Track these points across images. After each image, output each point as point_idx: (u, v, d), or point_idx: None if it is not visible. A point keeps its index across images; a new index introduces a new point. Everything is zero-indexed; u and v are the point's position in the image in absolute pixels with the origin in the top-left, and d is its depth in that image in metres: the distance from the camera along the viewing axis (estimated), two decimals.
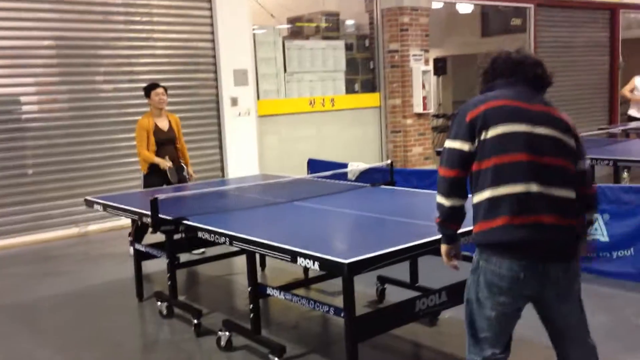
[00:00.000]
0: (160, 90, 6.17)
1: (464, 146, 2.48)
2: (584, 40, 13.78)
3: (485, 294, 2.52)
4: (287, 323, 4.50)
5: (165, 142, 6.16)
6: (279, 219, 4.09)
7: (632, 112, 9.83)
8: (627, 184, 6.73)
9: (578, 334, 2.66)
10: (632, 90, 9.65)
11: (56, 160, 7.64)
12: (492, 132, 2.45)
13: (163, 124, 6.19)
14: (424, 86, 10.24)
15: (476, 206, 2.51)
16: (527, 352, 3.78)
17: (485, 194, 2.46)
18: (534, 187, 2.40)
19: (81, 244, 7.36)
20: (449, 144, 2.53)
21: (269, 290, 3.83)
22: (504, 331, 2.59)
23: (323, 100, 9.89)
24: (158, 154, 6.08)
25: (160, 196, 4.20)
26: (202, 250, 5.98)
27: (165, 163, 6.01)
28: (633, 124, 9.21)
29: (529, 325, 2.94)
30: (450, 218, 2.60)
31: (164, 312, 4.70)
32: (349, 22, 10.66)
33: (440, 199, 2.57)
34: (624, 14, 14.44)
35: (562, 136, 2.49)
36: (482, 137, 2.46)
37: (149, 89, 6.20)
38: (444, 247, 2.70)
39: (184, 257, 5.07)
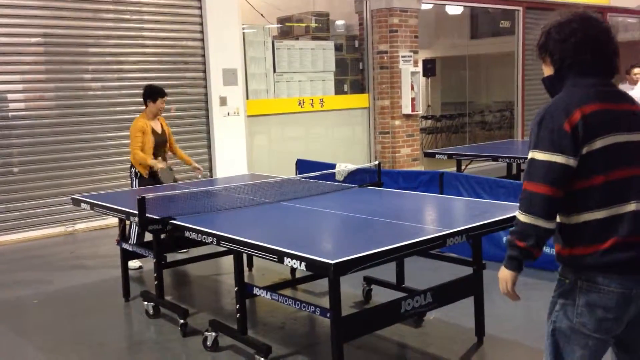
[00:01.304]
0: (166, 98, 6.16)
1: (569, 161, 2.14)
2: None
3: (585, 320, 2.22)
4: (273, 323, 4.50)
5: (160, 145, 6.15)
6: (266, 219, 4.10)
7: None
8: None
9: None
10: None
11: (43, 159, 7.60)
12: (597, 145, 2.16)
13: (157, 127, 6.16)
14: (412, 87, 10.28)
15: (577, 227, 2.21)
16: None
17: (594, 215, 2.18)
18: None
19: (68, 243, 7.32)
20: (547, 156, 2.15)
21: (256, 291, 3.83)
22: None
23: (312, 100, 9.90)
24: (154, 156, 6.05)
25: (148, 195, 4.20)
26: (185, 249, 5.95)
27: (158, 164, 5.96)
28: None
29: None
30: (543, 243, 2.22)
31: (151, 311, 4.70)
32: (339, 22, 10.68)
33: (536, 221, 2.17)
34: (611, 18, 14.55)
35: None
36: (586, 150, 2.15)
37: (156, 94, 6.07)
38: (511, 275, 2.29)
39: (170, 257, 5.05)
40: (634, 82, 9.55)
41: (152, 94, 6.08)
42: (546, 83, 2.37)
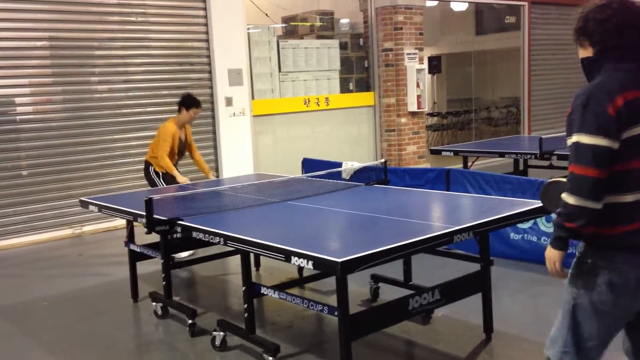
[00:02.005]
0: (200, 109, 6.27)
1: (614, 144, 2.21)
2: None
3: (605, 298, 2.32)
4: (281, 322, 4.51)
5: (179, 152, 6.25)
6: (273, 218, 4.10)
7: None
8: None
9: None
10: None
11: (51, 161, 7.64)
12: (637, 131, 2.24)
13: (182, 134, 6.26)
14: (418, 85, 10.26)
15: (607, 207, 2.29)
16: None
17: (625, 198, 2.28)
18: None
19: (76, 245, 7.36)
20: (594, 140, 2.21)
21: (264, 290, 3.84)
22: (608, 340, 2.42)
23: (317, 99, 9.90)
24: (173, 158, 6.15)
25: (155, 197, 4.21)
26: (190, 252, 5.96)
27: (180, 178, 6.02)
28: None
29: None
30: (592, 223, 2.28)
31: (159, 312, 4.71)
32: (343, 21, 10.67)
33: (586, 203, 2.23)
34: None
35: None
36: (626, 136, 2.23)
37: (192, 104, 6.15)
38: (559, 254, 2.37)
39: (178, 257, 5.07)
40: None
41: (189, 102, 6.14)
42: (585, 64, 2.42)
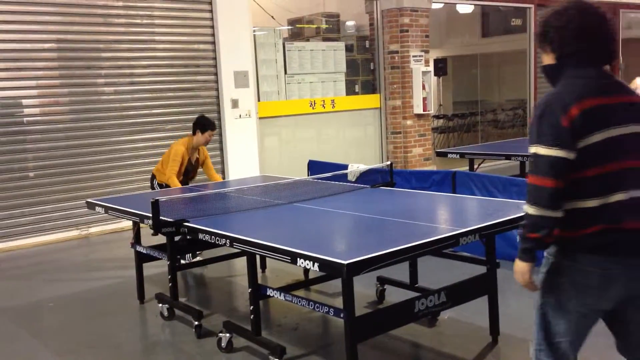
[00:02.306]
0: (214, 131, 6.22)
1: (569, 155, 2.26)
2: None
3: (569, 295, 2.39)
4: (287, 324, 4.51)
5: (186, 173, 6.20)
6: (279, 220, 4.11)
7: None
8: None
9: None
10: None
11: (58, 163, 7.67)
12: (593, 140, 2.27)
13: (193, 156, 6.24)
14: (424, 87, 10.25)
15: (569, 213, 2.33)
16: None
17: (585, 203, 2.31)
18: (636, 193, 2.32)
19: (83, 246, 7.38)
20: (550, 151, 2.26)
21: (269, 292, 3.84)
22: (580, 337, 2.46)
23: (323, 101, 9.91)
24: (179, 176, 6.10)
25: (162, 198, 4.22)
26: (196, 255, 5.97)
27: None
28: None
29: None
30: (552, 232, 2.33)
31: (165, 313, 4.72)
32: (349, 23, 10.68)
33: (545, 212, 2.28)
34: (624, 14, 14.44)
35: None
36: (582, 145, 2.27)
37: (206, 126, 6.10)
38: (527, 266, 2.39)
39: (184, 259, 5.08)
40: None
41: (204, 125, 6.09)
42: (547, 71, 2.47)
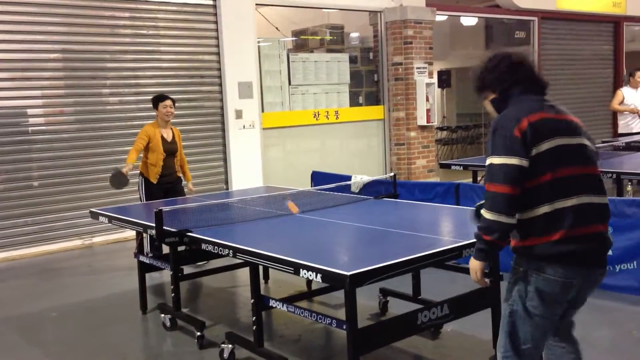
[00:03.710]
0: (168, 102, 6.30)
1: (522, 162, 2.46)
2: (588, 53, 13.81)
3: (535, 304, 2.57)
4: (289, 335, 4.50)
5: (168, 153, 6.33)
6: (282, 231, 4.11)
7: (622, 127, 9.76)
8: (631, 197, 6.73)
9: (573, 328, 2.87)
10: (621, 103, 9.60)
11: (62, 172, 7.69)
12: (544, 147, 2.49)
13: (168, 135, 6.36)
14: (427, 99, 10.27)
15: (529, 221, 2.53)
16: None
17: (542, 209, 2.50)
18: (585, 199, 2.53)
19: (86, 256, 7.38)
20: (504, 160, 2.47)
21: (272, 303, 3.84)
22: (544, 341, 2.70)
23: (327, 112, 9.93)
24: (165, 164, 6.27)
25: (165, 208, 4.23)
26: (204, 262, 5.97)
27: (125, 167, 6.10)
28: (636, 137, 9.19)
29: None
30: (507, 236, 2.56)
31: (168, 324, 4.72)
32: (353, 35, 10.73)
33: (500, 217, 2.47)
34: (628, 27, 14.47)
35: (589, 143, 2.64)
36: (534, 152, 2.48)
37: (157, 100, 6.33)
38: (479, 264, 2.64)
39: (187, 269, 5.08)
40: (637, 85, 9.57)
41: (154, 101, 6.38)
42: (494, 104, 2.73)
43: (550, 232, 2.49)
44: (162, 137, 6.28)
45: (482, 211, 2.53)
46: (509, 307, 2.65)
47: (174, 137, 6.41)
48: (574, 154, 2.56)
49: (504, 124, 2.53)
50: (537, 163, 2.48)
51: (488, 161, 2.52)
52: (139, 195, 6.46)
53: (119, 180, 6.10)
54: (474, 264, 2.64)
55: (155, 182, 6.27)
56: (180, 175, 6.55)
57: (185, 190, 6.59)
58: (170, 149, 6.34)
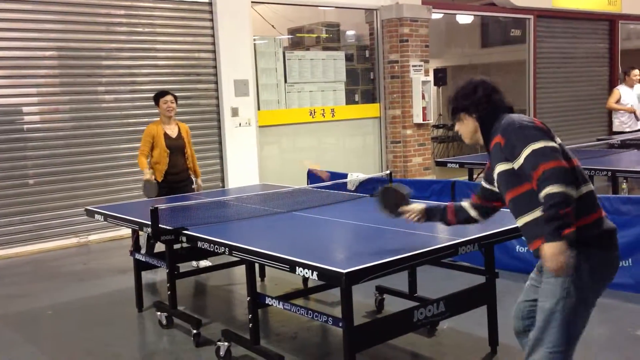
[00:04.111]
0: (168, 97, 6.21)
1: (557, 146, 2.57)
2: (583, 51, 13.84)
3: (588, 289, 2.57)
4: (286, 333, 4.51)
5: (174, 150, 6.18)
6: (278, 229, 4.11)
7: (616, 125, 9.80)
8: (626, 195, 6.75)
9: None
10: (617, 102, 9.66)
11: (57, 170, 7.67)
12: (557, 141, 2.63)
13: (172, 132, 6.23)
14: (423, 97, 10.28)
15: (578, 199, 2.54)
16: None
17: (583, 189, 2.60)
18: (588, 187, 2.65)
19: (82, 254, 7.37)
20: (544, 143, 2.51)
21: (268, 300, 3.84)
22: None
23: (323, 110, 9.93)
24: (171, 161, 6.14)
25: (161, 206, 4.23)
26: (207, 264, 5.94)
27: (146, 174, 6.00)
28: (631, 135, 9.22)
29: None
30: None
31: (164, 322, 4.72)
32: (349, 33, 10.72)
33: (567, 188, 2.41)
34: (623, 25, 14.50)
35: None
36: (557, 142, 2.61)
37: (158, 97, 6.25)
38: (561, 244, 2.40)
39: (184, 267, 5.08)
40: (632, 84, 9.62)
41: (155, 97, 6.29)
42: (481, 121, 2.83)
43: (594, 211, 2.59)
44: (166, 134, 6.15)
45: (549, 188, 2.40)
46: (561, 300, 2.55)
47: (179, 133, 6.26)
48: (566, 150, 2.67)
49: (520, 121, 2.62)
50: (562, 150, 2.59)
51: (528, 150, 2.51)
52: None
53: (148, 189, 5.95)
54: (556, 246, 2.40)
55: (160, 180, 6.10)
56: (192, 175, 6.39)
57: (194, 186, 6.39)
58: (176, 145, 6.18)
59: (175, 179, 6.19)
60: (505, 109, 2.81)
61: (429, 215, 3.23)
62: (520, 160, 2.54)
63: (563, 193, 2.39)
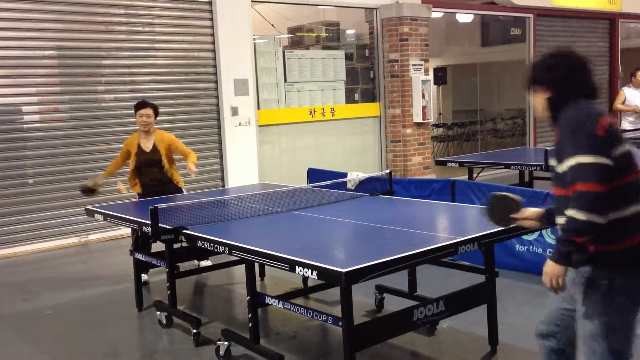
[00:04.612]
0: (144, 111, 5.79)
1: (608, 161, 2.38)
2: (583, 50, 13.82)
3: (629, 308, 2.48)
4: (285, 332, 4.50)
5: (145, 164, 5.83)
6: (278, 228, 4.11)
7: (625, 125, 9.84)
8: None
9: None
10: (623, 102, 9.72)
11: (57, 170, 7.67)
12: (620, 150, 2.45)
13: (146, 145, 5.86)
14: (423, 96, 10.27)
15: (614, 223, 2.43)
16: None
17: (630, 210, 2.45)
18: None
19: (81, 254, 7.37)
20: (592, 159, 2.36)
21: (268, 300, 3.84)
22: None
23: (323, 109, 9.92)
24: (139, 175, 5.89)
25: (160, 205, 4.22)
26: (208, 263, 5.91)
27: (90, 182, 6.14)
28: (631, 134, 9.23)
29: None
30: (595, 237, 2.41)
31: (164, 321, 4.71)
32: (349, 32, 10.71)
33: (595, 218, 2.34)
34: (623, 24, 14.49)
35: None
36: (617, 153, 2.43)
37: (135, 108, 5.91)
38: (561, 269, 2.46)
39: (184, 266, 5.07)
40: (638, 84, 9.65)
41: (134, 108, 5.95)
42: (550, 103, 2.62)
43: (636, 234, 2.46)
44: (140, 147, 5.83)
45: (572, 212, 2.38)
46: (602, 324, 2.48)
47: (154, 146, 5.83)
48: (632, 160, 2.51)
49: (585, 122, 2.44)
50: (618, 163, 2.42)
51: (573, 161, 2.39)
52: None
53: (86, 193, 6.12)
54: (555, 269, 2.46)
55: (141, 192, 5.90)
56: (172, 178, 5.97)
57: (186, 171, 5.92)
58: (147, 160, 5.81)
59: (154, 191, 5.83)
60: (582, 94, 2.57)
61: (549, 218, 2.84)
62: (564, 167, 2.45)
63: (584, 222, 2.35)
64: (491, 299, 3.95)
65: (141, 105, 5.90)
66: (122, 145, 6.13)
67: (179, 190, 6.00)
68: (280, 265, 3.16)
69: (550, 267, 2.47)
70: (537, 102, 2.69)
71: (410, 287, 4.54)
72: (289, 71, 9.56)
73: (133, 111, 6.01)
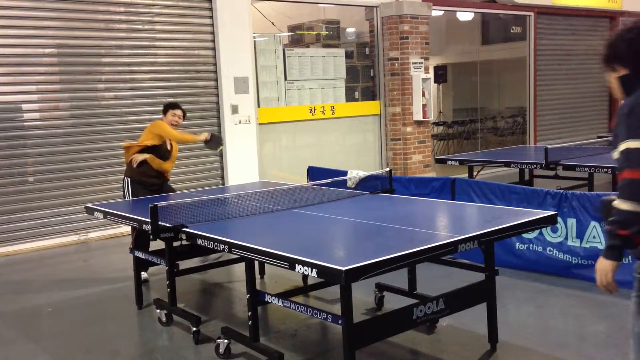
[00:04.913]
0: (179, 112, 6.08)
1: None
2: (584, 48, 13.83)
3: None
4: (285, 330, 4.50)
5: (164, 159, 6.08)
6: (278, 226, 4.10)
7: None
8: None
9: None
10: None
11: (57, 168, 7.67)
12: None
13: (168, 143, 6.15)
14: (423, 94, 10.27)
15: None
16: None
17: None
18: None
19: (81, 252, 7.37)
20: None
21: (268, 298, 3.84)
22: None
23: (323, 108, 9.92)
24: (145, 164, 5.95)
25: (160, 203, 4.22)
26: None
27: (200, 136, 6.23)
28: None
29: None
30: None
31: (163, 319, 4.71)
32: (349, 30, 10.71)
33: (634, 207, 2.19)
34: (623, 22, 14.48)
35: None
36: None
37: (169, 107, 6.10)
38: (611, 265, 2.30)
39: (184, 264, 5.07)
40: None
41: (166, 107, 6.11)
42: (623, 80, 2.41)
43: None
44: (166, 143, 6.10)
45: (617, 202, 2.23)
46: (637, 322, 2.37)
47: (172, 145, 6.18)
48: None
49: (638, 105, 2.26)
50: None
51: (623, 146, 2.24)
52: (122, 194, 6.05)
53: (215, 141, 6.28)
54: (605, 265, 2.31)
55: (142, 182, 5.96)
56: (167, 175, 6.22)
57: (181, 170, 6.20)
58: (163, 153, 6.09)
59: (155, 182, 6.02)
60: None
61: None
62: (616, 152, 2.30)
63: (628, 212, 2.20)
64: (491, 297, 3.95)
65: (176, 105, 6.14)
66: (120, 144, 6.11)
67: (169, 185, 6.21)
68: (280, 264, 3.16)
69: (599, 263, 2.32)
70: (614, 82, 2.47)
71: (410, 285, 4.54)
72: (289, 69, 9.56)
73: (163, 109, 6.12)
